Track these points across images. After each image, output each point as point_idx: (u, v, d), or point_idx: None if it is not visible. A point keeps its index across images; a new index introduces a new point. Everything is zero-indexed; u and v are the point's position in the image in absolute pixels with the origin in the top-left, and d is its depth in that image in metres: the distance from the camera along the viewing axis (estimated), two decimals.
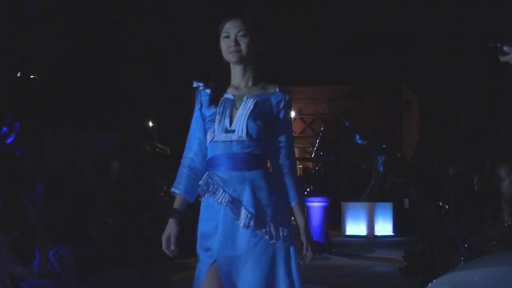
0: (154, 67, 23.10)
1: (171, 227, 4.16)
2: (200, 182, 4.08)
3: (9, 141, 16.12)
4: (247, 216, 3.92)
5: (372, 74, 24.71)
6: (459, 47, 21.67)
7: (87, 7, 19.10)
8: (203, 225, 4.08)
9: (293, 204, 4.14)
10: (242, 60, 4.10)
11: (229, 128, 4.02)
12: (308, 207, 15.00)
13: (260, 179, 4.02)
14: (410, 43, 23.50)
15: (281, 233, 3.97)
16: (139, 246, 12.39)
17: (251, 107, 4.04)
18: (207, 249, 4.00)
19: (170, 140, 22.34)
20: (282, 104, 4.15)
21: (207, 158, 4.13)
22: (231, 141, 4.01)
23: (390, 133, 24.95)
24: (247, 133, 4.00)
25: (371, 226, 17.71)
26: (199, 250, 4.09)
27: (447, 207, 13.11)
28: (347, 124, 18.41)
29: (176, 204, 4.22)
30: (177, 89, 24.74)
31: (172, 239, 4.14)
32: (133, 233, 12.75)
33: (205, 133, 4.17)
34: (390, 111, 26.32)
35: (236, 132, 4.00)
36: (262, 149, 4.07)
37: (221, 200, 3.96)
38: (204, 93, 4.20)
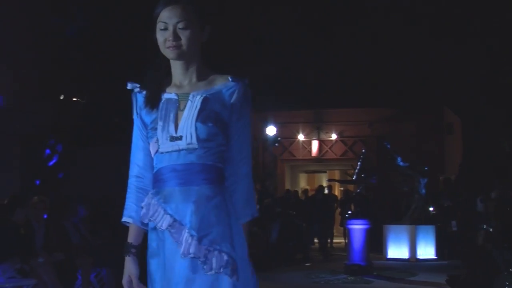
0: None
1: (129, 268, 3.37)
2: (142, 204, 3.33)
3: (51, 163, 16.29)
4: (187, 241, 3.16)
5: (414, 96, 24.59)
6: (501, 70, 21.49)
7: (128, 29, 19.27)
8: (150, 260, 3.36)
9: (243, 221, 3.40)
10: (183, 56, 3.36)
11: (174, 135, 3.28)
12: (349, 230, 14.93)
13: (211, 194, 3.26)
14: (451, 65, 23.36)
15: (224, 263, 3.17)
16: None
17: (199, 106, 3.29)
18: None
19: None
20: (235, 97, 3.36)
21: (154, 171, 3.38)
22: (179, 150, 3.27)
23: (432, 156, 24.74)
24: (198, 138, 3.25)
25: (413, 249, 17.55)
26: None
27: (491, 230, 12.96)
28: (388, 146, 18.31)
29: (131, 237, 3.43)
30: None
31: (134, 282, 3.35)
32: None
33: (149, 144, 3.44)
34: (432, 134, 26.15)
35: (184, 138, 3.26)
36: (217, 158, 3.32)
37: (161, 224, 3.23)
38: (140, 95, 3.48)
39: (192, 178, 3.25)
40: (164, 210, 3.22)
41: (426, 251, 17.66)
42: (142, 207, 3.33)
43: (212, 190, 3.26)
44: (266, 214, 17.78)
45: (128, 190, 3.47)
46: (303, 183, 30.58)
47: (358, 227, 14.69)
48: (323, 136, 28.62)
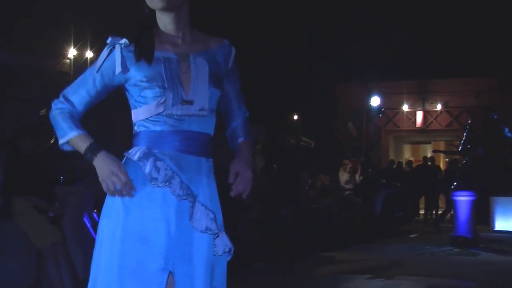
0: (300, 63, 23.24)
1: (112, 158, 2.99)
2: (135, 158, 3.02)
3: None
4: (207, 216, 3.03)
5: None
6: None
7: (231, 10, 19.40)
8: (141, 222, 2.97)
9: (243, 139, 3.35)
10: (174, 5, 3.05)
11: (185, 98, 3.02)
12: (455, 201, 14.70)
13: (212, 169, 3.16)
14: None
15: (228, 246, 3.19)
16: (282, 240, 12.44)
17: (207, 71, 3.08)
18: (152, 255, 2.95)
19: (314, 134, 22.41)
20: (231, 62, 3.26)
21: (150, 130, 3.06)
22: (190, 115, 3.04)
23: None
24: (209, 105, 3.09)
25: None
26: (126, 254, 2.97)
27: None
28: (495, 116, 17.97)
29: (88, 139, 3.04)
30: (322, 83, 24.81)
31: (122, 169, 2.97)
32: (277, 227, 12.82)
33: (103, 93, 3.12)
34: None
35: (196, 103, 3.04)
36: (213, 129, 3.19)
37: (179, 192, 2.98)
38: (127, 50, 3.05)
39: (203, 149, 3.10)
40: (180, 178, 3.00)
41: None
42: (140, 167, 3.01)
43: (212, 164, 3.17)
44: (370, 185, 17.71)
45: (60, 113, 3.08)
46: (407, 154, 30.31)
47: (464, 198, 14.46)
48: (428, 107, 28.24)
